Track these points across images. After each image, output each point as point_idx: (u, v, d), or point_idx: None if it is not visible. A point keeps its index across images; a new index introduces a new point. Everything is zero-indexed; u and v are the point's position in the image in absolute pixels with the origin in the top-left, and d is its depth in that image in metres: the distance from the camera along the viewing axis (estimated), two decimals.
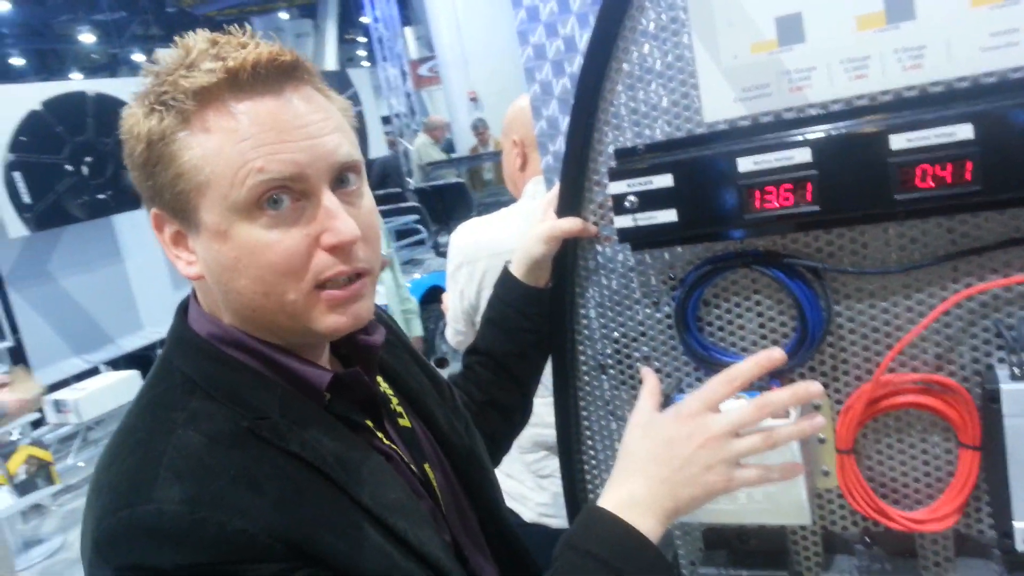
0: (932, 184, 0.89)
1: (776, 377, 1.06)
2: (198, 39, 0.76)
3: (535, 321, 1.14)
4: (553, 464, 1.84)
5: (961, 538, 1.02)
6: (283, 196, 0.75)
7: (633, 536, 0.80)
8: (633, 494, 0.84)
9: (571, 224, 1.11)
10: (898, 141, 0.89)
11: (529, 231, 1.14)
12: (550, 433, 1.76)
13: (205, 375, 0.78)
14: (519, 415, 1.21)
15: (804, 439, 1.01)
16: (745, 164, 0.98)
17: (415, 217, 6.76)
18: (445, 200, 7.38)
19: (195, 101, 0.73)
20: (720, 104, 1.03)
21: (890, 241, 0.98)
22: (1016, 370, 0.91)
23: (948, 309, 0.96)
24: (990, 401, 0.91)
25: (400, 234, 6.34)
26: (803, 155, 0.95)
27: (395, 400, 0.95)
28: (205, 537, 0.66)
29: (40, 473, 4.36)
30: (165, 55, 0.76)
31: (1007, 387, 0.90)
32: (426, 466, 0.92)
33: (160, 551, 0.66)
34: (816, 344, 1.03)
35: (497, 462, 1.17)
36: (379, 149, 9.91)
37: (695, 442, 0.85)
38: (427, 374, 1.03)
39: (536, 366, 1.19)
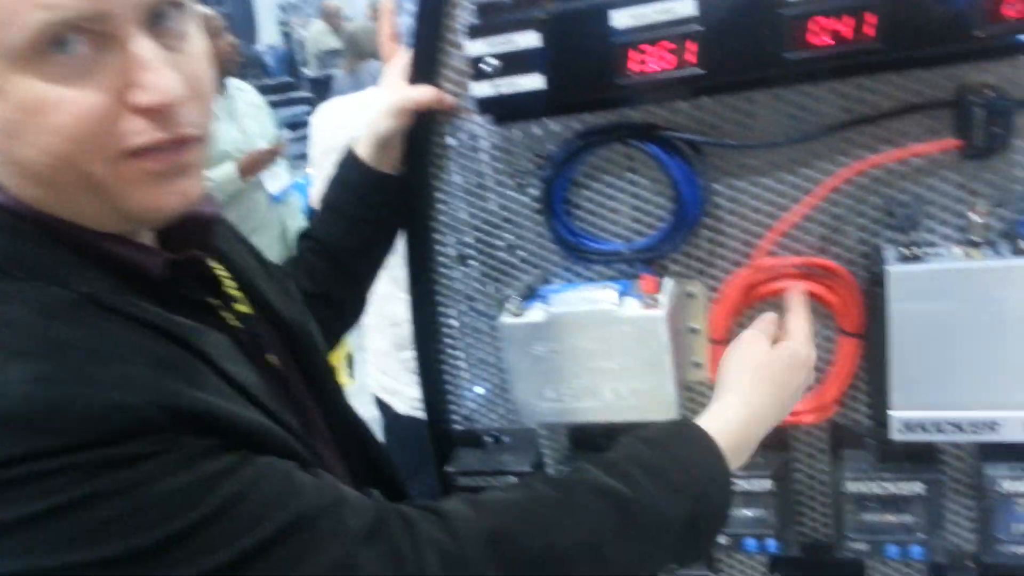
0: (827, 41, 0.77)
1: (649, 264, 0.97)
2: None
3: (379, 211, 1.00)
4: None
5: (837, 429, 0.97)
6: (76, 39, 0.56)
7: (719, 467, 0.75)
8: (740, 428, 0.78)
9: (424, 94, 0.95)
10: None
11: (375, 104, 0.98)
12: None
13: (4, 253, 0.60)
14: (352, 311, 1.07)
15: (675, 330, 0.92)
16: (620, 18, 0.84)
17: (306, 108, 6.36)
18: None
19: None
20: None
21: (779, 110, 0.88)
22: (905, 251, 0.83)
23: (837, 186, 0.87)
24: (875, 285, 0.84)
25: (290, 127, 5.95)
26: (685, 6, 0.81)
27: (231, 284, 0.80)
28: (73, 416, 0.53)
29: None
30: None
31: (894, 269, 0.82)
32: (269, 356, 0.79)
33: (13, 441, 0.52)
34: (692, 227, 0.93)
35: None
36: (270, 37, 9.24)
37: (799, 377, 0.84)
38: (252, 254, 0.88)
39: (377, 261, 1.06)
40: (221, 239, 0.81)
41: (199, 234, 0.72)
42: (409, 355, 1.76)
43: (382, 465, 0.94)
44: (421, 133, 0.99)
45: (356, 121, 1.63)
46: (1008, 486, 0.87)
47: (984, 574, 0.96)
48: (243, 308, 0.78)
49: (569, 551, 0.66)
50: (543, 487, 0.71)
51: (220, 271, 0.78)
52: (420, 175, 1.01)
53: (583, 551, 0.67)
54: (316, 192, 1.83)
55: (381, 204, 1.00)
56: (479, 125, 0.99)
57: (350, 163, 1.00)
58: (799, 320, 0.87)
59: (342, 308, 1.05)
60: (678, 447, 0.75)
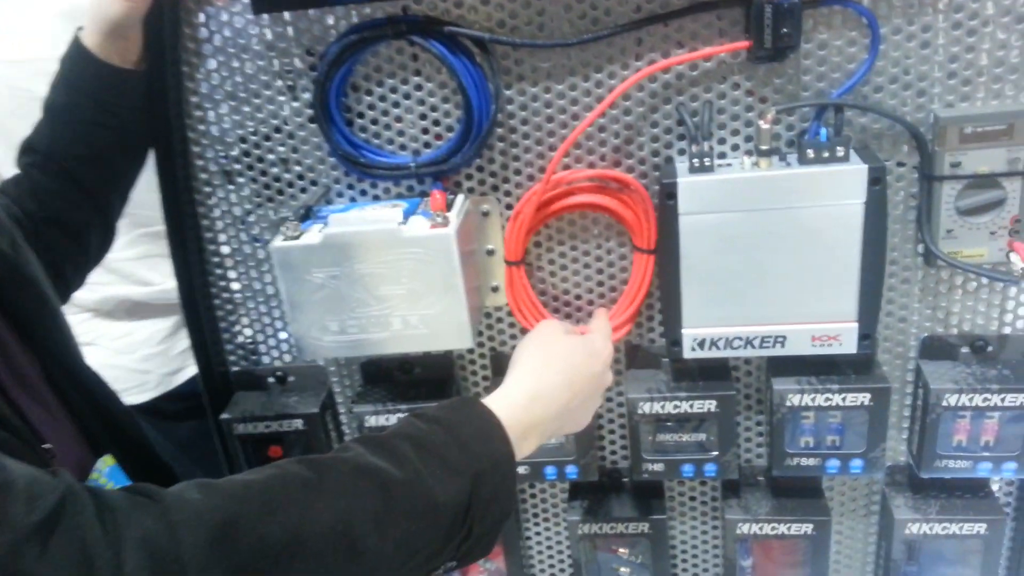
0: None
1: (439, 180, 0.88)
2: None
3: (118, 114, 0.84)
4: (100, 328, 1.40)
5: (633, 349, 0.94)
6: None
7: (500, 446, 0.67)
8: (525, 405, 0.72)
9: None
10: None
11: None
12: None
13: None
14: (97, 240, 0.91)
15: (468, 251, 0.84)
16: None
17: None
18: None
19: None
20: None
21: (570, 6, 0.80)
22: (696, 162, 0.79)
23: (627, 92, 0.81)
24: (667, 197, 0.79)
25: None
26: None
27: None
28: None
29: None
30: None
31: (685, 180, 0.78)
32: None
33: None
34: (483, 137, 0.85)
35: (65, 298, 0.89)
36: None
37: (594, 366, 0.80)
38: None
39: (123, 177, 0.89)
40: None
41: None
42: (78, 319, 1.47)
43: (127, 429, 0.80)
44: (165, 22, 0.83)
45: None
46: (795, 400, 0.88)
47: (773, 487, 0.98)
48: None
49: (318, 540, 0.55)
50: (295, 467, 0.60)
51: None
52: (168, 74, 0.86)
53: (336, 539, 0.56)
54: None
55: (120, 106, 0.83)
56: (238, 15, 0.85)
57: (77, 56, 0.82)
58: (601, 320, 0.88)
59: (82, 236, 0.88)
60: (456, 424, 0.66)
